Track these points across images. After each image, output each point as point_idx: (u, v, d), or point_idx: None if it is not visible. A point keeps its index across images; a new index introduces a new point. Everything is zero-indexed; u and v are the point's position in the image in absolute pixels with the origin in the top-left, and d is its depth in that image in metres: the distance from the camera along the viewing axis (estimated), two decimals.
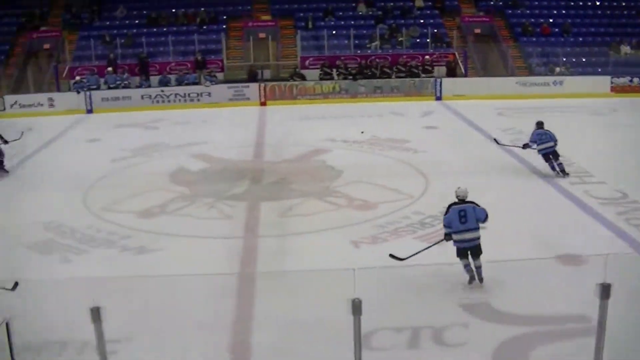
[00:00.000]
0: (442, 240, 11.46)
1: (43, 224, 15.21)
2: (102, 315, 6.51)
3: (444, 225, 11.40)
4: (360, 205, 15.92)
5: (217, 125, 27.22)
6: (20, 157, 21.76)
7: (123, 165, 20.90)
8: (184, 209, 16.28)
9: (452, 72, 32.29)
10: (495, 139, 18.83)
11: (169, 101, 31.66)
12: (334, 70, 32.58)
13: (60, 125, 27.82)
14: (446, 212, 11.40)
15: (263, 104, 31.44)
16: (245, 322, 10.32)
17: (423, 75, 31.81)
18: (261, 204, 16.66)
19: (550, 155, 17.78)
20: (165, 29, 36.15)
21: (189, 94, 31.96)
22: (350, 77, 31.77)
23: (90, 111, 30.81)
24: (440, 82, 31.15)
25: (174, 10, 37.37)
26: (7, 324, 6.34)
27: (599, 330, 7.39)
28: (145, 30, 36.23)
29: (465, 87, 26.08)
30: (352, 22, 35.88)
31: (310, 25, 35.51)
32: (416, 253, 11.34)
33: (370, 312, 6.26)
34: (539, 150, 17.92)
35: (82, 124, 28.33)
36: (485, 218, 11.26)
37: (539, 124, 18.25)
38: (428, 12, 36.75)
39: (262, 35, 35.15)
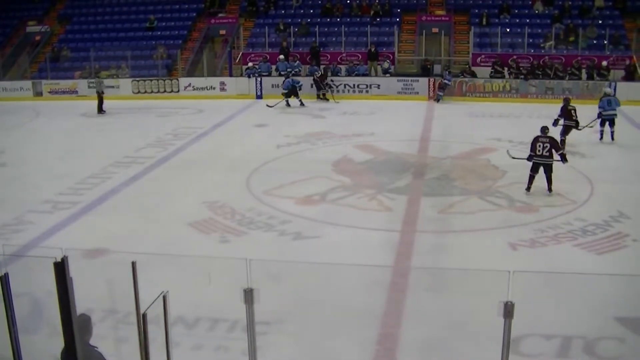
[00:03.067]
0: (596, 120, 21.44)
1: (206, 204, 15.65)
2: (254, 296, 6.53)
3: (599, 107, 21.55)
4: (522, 207, 15.46)
5: (384, 118, 27.15)
6: (191, 137, 22.53)
7: (288, 151, 21.19)
8: (344, 198, 16.28)
9: (630, 77, 30.88)
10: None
11: (338, 91, 31.85)
12: (506, 69, 31.86)
13: (230, 109, 28.56)
14: (600, 100, 21.70)
15: (432, 98, 31.18)
16: (395, 315, 10.21)
17: (597, 78, 30.61)
18: (422, 198, 16.46)
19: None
20: (338, 20, 36.49)
21: (358, 85, 32.15)
22: (522, 76, 30.97)
23: (259, 97, 31.44)
24: (615, 86, 29.80)
25: (348, 1, 37.64)
26: (164, 297, 6.45)
27: None
28: (319, 19, 36.70)
29: None
30: (528, 21, 34.90)
31: (484, 22, 34.89)
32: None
33: (522, 316, 6.02)
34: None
35: (251, 109, 28.94)
36: (619, 104, 21.74)
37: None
38: (608, 12, 35.10)
39: (435, 30, 34.80)
